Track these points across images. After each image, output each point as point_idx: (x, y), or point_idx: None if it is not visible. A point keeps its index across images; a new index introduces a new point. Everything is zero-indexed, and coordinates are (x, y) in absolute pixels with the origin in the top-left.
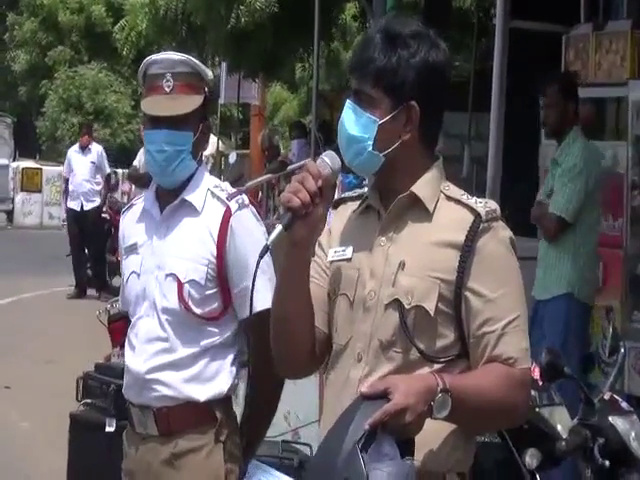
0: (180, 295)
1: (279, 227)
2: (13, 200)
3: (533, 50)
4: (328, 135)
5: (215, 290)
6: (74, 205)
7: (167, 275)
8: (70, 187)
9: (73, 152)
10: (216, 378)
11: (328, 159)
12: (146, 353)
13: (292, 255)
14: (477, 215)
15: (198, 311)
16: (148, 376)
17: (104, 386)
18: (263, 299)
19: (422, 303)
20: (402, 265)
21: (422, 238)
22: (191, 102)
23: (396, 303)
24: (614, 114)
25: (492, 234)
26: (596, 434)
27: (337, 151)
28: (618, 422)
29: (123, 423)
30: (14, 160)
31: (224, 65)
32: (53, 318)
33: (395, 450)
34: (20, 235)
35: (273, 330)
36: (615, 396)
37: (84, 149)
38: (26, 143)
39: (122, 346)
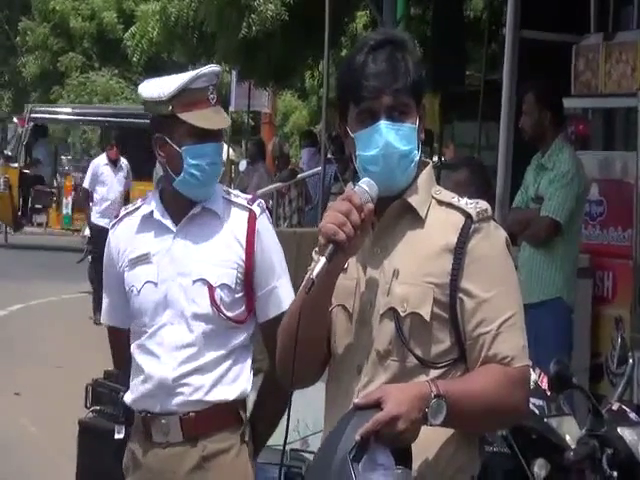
0: (212, 299)
1: (323, 259)
2: None
3: (543, 60)
4: (342, 146)
5: (242, 294)
6: (106, 223)
7: (195, 281)
8: (102, 203)
9: (102, 165)
10: (239, 379)
11: (367, 187)
12: (175, 360)
13: (324, 282)
14: (468, 216)
15: (229, 314)
16: (178, 382)
17: (113, 393)
18: (289, 299)
19: (417, 310)
20: (396, 274)
21: (415, 245)
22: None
23: (391, 312)
24: (624, 124)
25: (484, 234)
26: (604, 445)
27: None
28: (626, 433)
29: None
30: None
31: (234, 72)
32: (62, 325)
33: (390, 460)
34: (29, 241)
35: (286, 348)
36: (624, 407)
37: (115, 163)
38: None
39: None
